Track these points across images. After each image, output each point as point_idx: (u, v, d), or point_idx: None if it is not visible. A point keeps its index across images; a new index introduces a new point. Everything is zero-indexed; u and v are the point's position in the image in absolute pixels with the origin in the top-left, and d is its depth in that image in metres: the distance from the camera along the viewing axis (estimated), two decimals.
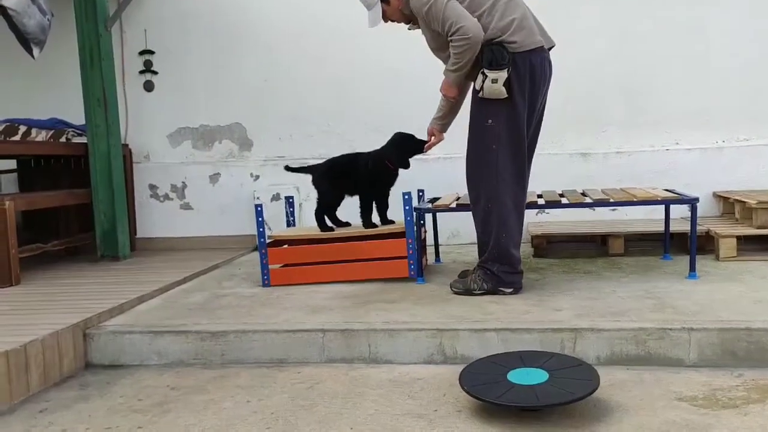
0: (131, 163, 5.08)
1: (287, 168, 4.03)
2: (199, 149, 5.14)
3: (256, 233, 3.62)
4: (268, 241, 3.66)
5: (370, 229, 3.66)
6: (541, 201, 3.46)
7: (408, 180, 3.78)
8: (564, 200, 3.43)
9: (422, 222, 3.97)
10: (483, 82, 2.92)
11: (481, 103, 2.99)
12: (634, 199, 3.28)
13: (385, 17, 3.17)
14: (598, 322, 2.57)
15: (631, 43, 4.60)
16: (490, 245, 3.08)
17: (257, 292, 3.46)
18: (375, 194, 3.70)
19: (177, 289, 3.64)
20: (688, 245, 3.41)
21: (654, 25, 4.59)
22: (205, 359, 2.73)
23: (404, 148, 3.61)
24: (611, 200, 3.31)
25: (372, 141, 4.87)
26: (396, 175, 3.69)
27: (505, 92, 2.90)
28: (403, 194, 3.47)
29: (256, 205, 3.63)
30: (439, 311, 2.88)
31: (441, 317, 2.77)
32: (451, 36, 2.92)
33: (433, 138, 3.44)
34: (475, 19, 2.91)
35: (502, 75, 2.88)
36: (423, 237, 3.96)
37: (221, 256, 4.56)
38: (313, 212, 3.84)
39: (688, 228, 3.86)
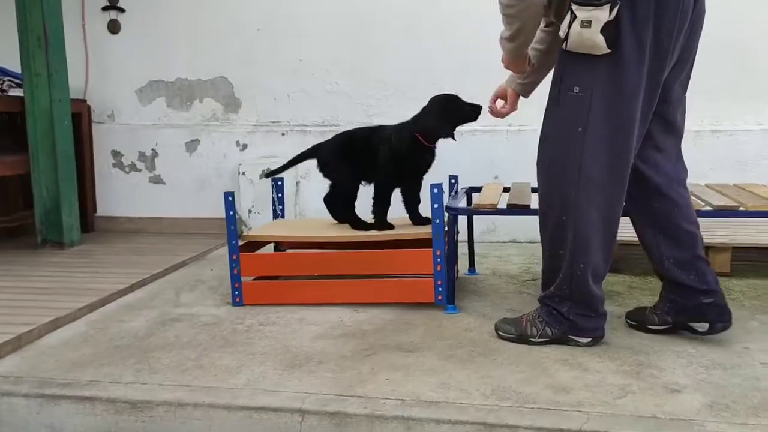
0: (90, 124, 4.07)
1: (269, 173, 3.03)
2: (174, 109, 4.10)
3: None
4: (241, 242, 2.65)
5: (384, 233, 2.63)
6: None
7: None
8: None
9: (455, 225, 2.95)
10: (569, 26, 1.85)
11: (567, 59, 1.94)
12: None
13: None
14: (755, 426, 1.55)
15: None
16: (560, 274, 2.05)
17: (222, 316, 2.48)
18: (401, 183, 2.68)
19: (118, 302, 2.66)
20: None
21: None
22: None
23: (448, 114, 2.58)
24: (742, 208, 2.24)
25: (390, 105, 3.88)
26: (433, 154, 2.66)
27: (604, 44, 1.83)
28: (432, 187, 2.44)
29: (226, 194, 2.61)
30: (484, 377, 1.87)
31: (488, 391, 1.77)
32: None
33: (502, 105, 2.44)
34: None
35: (600, 15, 1.80)
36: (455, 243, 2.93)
37: (194, 245, 3.58)
38: (323, 200, 2.84)
39: None
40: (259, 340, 2.22)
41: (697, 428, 1.55)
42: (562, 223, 2.01)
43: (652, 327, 2.19)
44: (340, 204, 2.77)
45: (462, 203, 2.80)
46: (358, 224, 2.69)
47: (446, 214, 2.46)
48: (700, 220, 2.18)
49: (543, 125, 2.06)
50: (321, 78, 3.93)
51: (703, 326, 2.05)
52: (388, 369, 1.95)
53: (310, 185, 3.97)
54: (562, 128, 1.98)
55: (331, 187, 2.82)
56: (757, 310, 2.42)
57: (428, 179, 2.58)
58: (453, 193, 2.95)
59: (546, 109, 2.05)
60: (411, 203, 2.70)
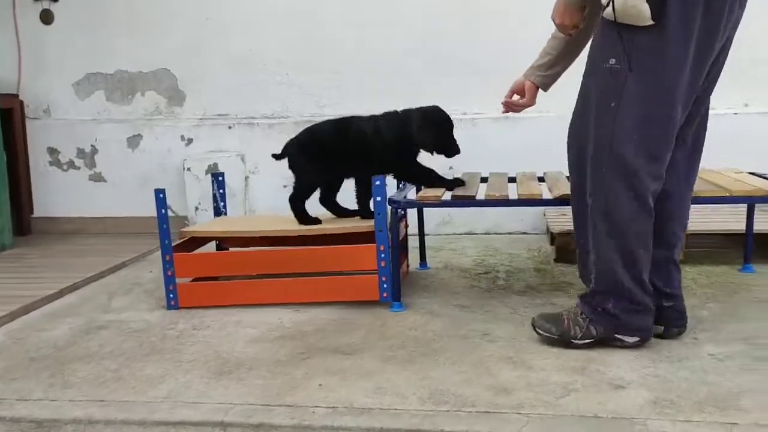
0: (23, 120, 3.86)
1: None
2: (114, 103, 3.91)
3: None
4: (180, 240, 2.51)
5: (329, 228, 2.50)
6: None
7: None
8: None
9: (403, 215, 2.84)
10: None
11: (606, 29, 1.78)
12: (728, 195, 2.14)
13: None
14: (699, 423, 1.47)
15: None
16: (598, 268, 1.89)
17: (154, 321, 2.33)
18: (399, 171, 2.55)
19: (42, 309, 2.49)
20: None
21: None
22: None
23: (433, 134, 2.43)
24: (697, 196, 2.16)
25: (342, 97, 3.75)
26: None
27: (648, 14, 1.67)
28: (374, 179, 2.32)
29: (157, 191, 2.46)
30: (423, 379, 1.76)
31: (425, 395, 1.66)
32: None
33: (519, 98, 2.27)
34: None
35: None
36: (402, 236, 2.82)
37: (136, 246, 3.41)
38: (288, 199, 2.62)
39: None
40: (190, 346, 2.08)
41: (639, 427, 1.47)
42: (590, 208, 1.85)
43: None
44: (295, 198, 2.58)
45: (411, 195, 2.69)
46: (306, 220, 2.56)
47: (389, 208, 2.34)
48: None
49: (577, 101, 1.91)
50: (271, 69, 3.78)
51: (658, 329, 1.96)
52: (324, 373, 1.83)
53: (260, 180, 3.84)
54: (594, 102, 1.82)
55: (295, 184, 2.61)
56: (708, 298, 2.35)
57: None
58: (401, 185, 2.83)
59: (581, 84, 1.90)
60: (366, 196, 2.54)
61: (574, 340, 1.90)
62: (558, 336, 1.92)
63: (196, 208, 3.75)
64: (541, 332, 1.96)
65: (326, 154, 2.50)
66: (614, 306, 1.86)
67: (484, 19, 3.55)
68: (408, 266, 2.89)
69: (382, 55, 3.64)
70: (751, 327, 2.05)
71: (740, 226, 2.74)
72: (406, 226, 2.90)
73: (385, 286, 2.37)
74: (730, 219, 2.94)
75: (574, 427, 1.49)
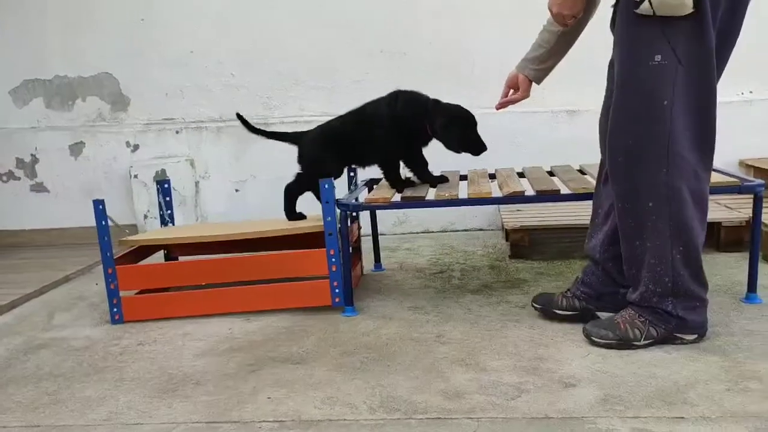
0: None
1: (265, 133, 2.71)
2: (54, 110, 3.76)
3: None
4: (124, 250, 2.42)
5: (277, 231, 2.44)
6: (522, 186, 2.29)
7: None
8: (564, 189, 2.28)
9: (355, 217, 2.80)
10: None
11: (641, 25, 1.71)
12: None
13: None
14: (647, 419, 1.47)
15: None
16: (655, 270, 1.83)
17: (97, 338, 2.24)
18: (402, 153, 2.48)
19: None
20: (746, 242, 2.33)
21: None
22: None
23: (460, 132, 2.37)
24: (563, 192, 2.18)
25: (291, 97, 3.69)
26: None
27: (690, 3, 1.63)
28: (321, 183, 2.27)
29: (95, 202, 2.36)
30: (375, 386, 1.73)
31: (376, 403, 1.62)
32: None
33: (512, 93, 2.20)
34: None
35: None
36: (355, 238, 2.78)
37: (82, 258, 3.29)
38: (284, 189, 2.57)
39: (727, 216, 2.82)
40: (133, 363, 2.00)
41: (589, 426, 1.46)
42: (650, 210, 1.79)
43: (558, 311, 2.10)
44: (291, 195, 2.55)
45: (363, 196, 2.65)
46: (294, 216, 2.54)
47: (338, 211, 2.30)
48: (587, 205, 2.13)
49: (615, 102, 1.82)
50: (215, 70, 3.69)
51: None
52: (272, 386, 1.78)
53: (212, 185, 3.75)
54: (644, 102, 1.75)
55: (302, 174, 2.54)
56: None
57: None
58: (352, 186, 2.79)
59: (620, 87, 1.80)
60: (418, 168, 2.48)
61: (635, 343, 1.85)
62: (617, 340, 1.87)
63: (145, 216, 3.65)
64: (598, 339, 1.89)
65: (343, 142, 2.47)
66: (674, 306, 1.83)
67: (428, 18, 3.53)
68: (362, 269, 2.85)
69: (331, 54, 3.59)
70: None
71: None
72: (359, 227, 2.86)
73: (337, 290, 2.33)
74: None
75: (525, 430, 1.47)
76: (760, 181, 2.14)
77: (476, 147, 2.38)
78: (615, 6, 1.86)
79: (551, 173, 2.60)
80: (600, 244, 2.06)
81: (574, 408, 1.55)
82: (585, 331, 1.93)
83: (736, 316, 2.06)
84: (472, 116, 2.38)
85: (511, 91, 2.21)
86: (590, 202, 2.19)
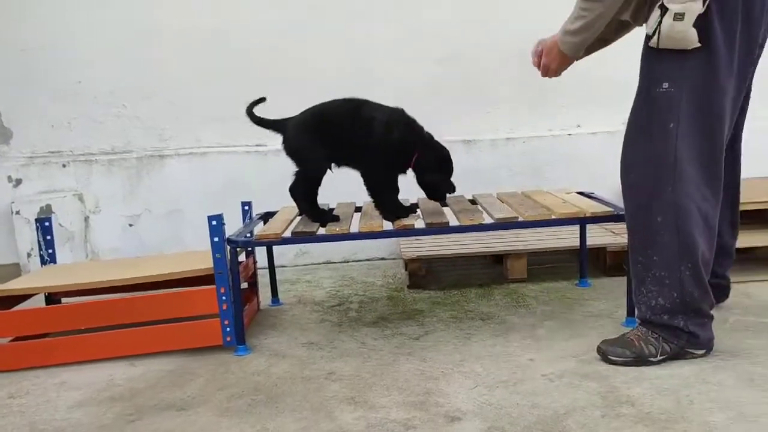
0: None
1: (258, 120, 2.44)
2: None
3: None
4: None
5: (157, 277, 2.34)
6: (413, 220, 2.32)
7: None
8: (454, 221, 2.32)
9: (251, 251, 2.75)
10: (660, 20, 1.82)
11: (653, 56, 1.89)
12: (553, 217, 2.24)
13: None
14: None
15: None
16: (663, 283, 1.90)
17: None
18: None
19: None
20: (623, 268, 2.45)
21: None
22: None
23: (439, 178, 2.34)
24: (521, 218, 2.25)
25: (185, 128, 3.59)
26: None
27: (696, 37, 1.79)
28: (209, 219, 2.21)
29: None
30: (261, 430, 1.68)
31: None
32: None
33: (544, 62, 2.18)
34: None
35: (694, 7, 1.77)
36: (251, 273, 2.73)
37: None
38: (288, 190, 2.41)
39: (612, 241, 2.95)
40: (1, 418, 1.85)
41: None
42: (658, 225, 1.88)
43: None
44: (311, 189, 2.38)
45: (258, 229, 2.60)
46: (320, 217, 2.37)
47: (228, 248, 2.24)
48: (487, 233, 2.16)
49: (629, 123, 1.97)
50: (105, 101, 3.55)
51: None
52: None
53: (103, 220, 3.58)
54: (653, 125, 1.89)
55: (297, 170, 2.38)
56: (546, 316, 2.45)
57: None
58: (247, 220, 2.74)
59: (633, 110, 1.96)
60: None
61: (651, 359, 1.92)
62: (634, 358, 1.93)
63: (29, 255, 3.42)
64: (615, 358, 1.95)
65: (333, 136, 2.30)
66: (685, 322, 1.91)
67: (323, 43, 3.55)
68: (258, 304, 2.79)
69: (225, 83, 3.53)
70: (582, 342, 2.14)
71: (573, 240, 2.90)
72: (255, 262, 2.80)
73: (228, 329, 2.26)
74: (569, 236, 3.10)
75: None
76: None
77: (444, 193, 2.36)
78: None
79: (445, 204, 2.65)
80: None
81: None
82: (599, 351, 1.99)
83: None
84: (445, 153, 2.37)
85: (547, 63, 2.20)
86: (483, 233, 2.25)
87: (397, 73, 3.49)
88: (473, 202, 2.65)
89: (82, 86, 3.52)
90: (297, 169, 2.37)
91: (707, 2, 1.77)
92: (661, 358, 1.92)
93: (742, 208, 2.28)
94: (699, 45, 1.81)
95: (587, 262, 2.85)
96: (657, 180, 1.89)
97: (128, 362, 2.23)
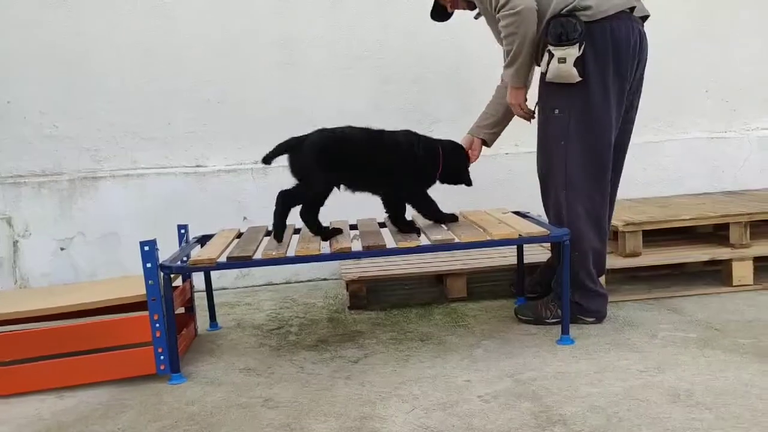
0: None
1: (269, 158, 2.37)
2: None
3: None
4: None
5: (92, 303, 2.27)
6: (352, 244, 2.33)
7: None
8: (391, 243, 2.33)
9: (188, 276, 2.69)
10: (548, 62, 2.34)
11: (547, 88, 2.42)
12: (489, 238, 2.28)
13: (453, 4, 2.66)
14: None
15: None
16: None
17: None
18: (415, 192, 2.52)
19: None
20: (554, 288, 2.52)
21: None
22: None
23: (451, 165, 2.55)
24: (458, 240, 2.28)
25: (122, 148, 3.50)
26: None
27: (577, 74, 2.31)
28: (141, 244, 2.16)
29: None
30: None
31: None
32: (498, 12, 2.34)
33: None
34: None
35: (572, 52, 2.28)
36: (188, 298, 2.67)
37: None
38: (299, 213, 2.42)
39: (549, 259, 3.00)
40: None
41: None
42: (559, 217, 2.45)
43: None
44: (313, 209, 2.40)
45: (195, 253, 2.55)
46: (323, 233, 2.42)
47: (161, 274, 2.18)
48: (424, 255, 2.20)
49: (538, 143, 2.51)
50: (35, 121, 3.44)
51: None
52: None
53: (33, 244, 3.44)
54: (550, 142, 2.44)
55: (304, 192, 2.35)
56: (485, 335, 2.48)
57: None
58: (183, 243, 2.68)
59: (538, 129, 2.49)
60: (399, 212, 2.51)
61: (546, 320, 2.50)
62: (534, 318, 2.53)
63: None
64: (522, 317, 2.57)
65: (353, 161, 2.34)
66: (573, 294, 2.40)
67: (268, 69, 3.53)
68: (196, 329, 2.73)
69: (164, 103, 3.47)
70: (517, 362, 2.18)
71: (511, 258, 2.95)
72: (192, 287, 2.75)
73: (162, 357, 2.20)
74: (509, 253, 3.14)
75: None
76: (565, 230, 2.32)
77: (469, 176, 2.62)
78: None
79: (383, 224, 2.66)
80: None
81: None
82: (515, 312, 2.61)
83: (551, 359, 2.19)
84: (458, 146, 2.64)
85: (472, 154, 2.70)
86: (424, 255, 2.37)
87: (338, 94, 3.50)
88: (412, 222, 2.67)
89: (10, 106, 3.40)
90: (295, 186, 2.35)
91: (582, 47, 2.26)
92: (554, 320, 2.46)
93: (671, 225, 2.88)
94: (580, 79, 2.31)
95: (525, 281, 2.90)
96: (554, 186, 2.44)
97: (56, 395, 2.15)
